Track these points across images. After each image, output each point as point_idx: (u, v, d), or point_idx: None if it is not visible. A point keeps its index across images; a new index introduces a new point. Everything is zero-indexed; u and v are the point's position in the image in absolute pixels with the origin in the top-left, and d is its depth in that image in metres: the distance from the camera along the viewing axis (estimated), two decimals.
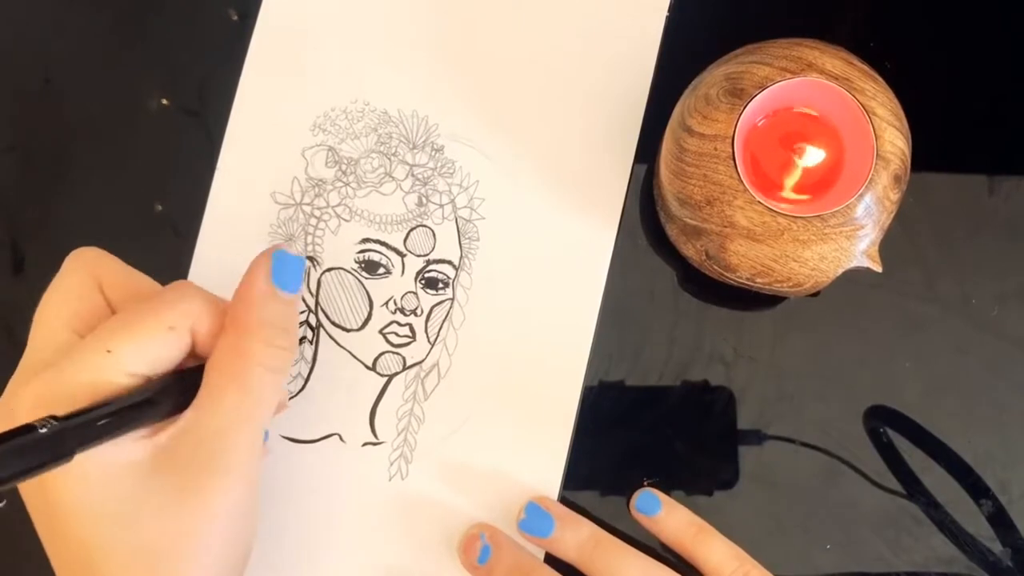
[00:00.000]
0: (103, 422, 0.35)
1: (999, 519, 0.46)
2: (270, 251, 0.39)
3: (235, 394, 0.37)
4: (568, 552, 0.45)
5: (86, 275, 0.39)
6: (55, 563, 0.38)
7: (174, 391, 0.38)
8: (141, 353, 0.37)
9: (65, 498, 0.36)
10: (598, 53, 0.49)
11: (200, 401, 0.38)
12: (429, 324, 0.48)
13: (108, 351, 0.36)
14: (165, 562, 0.36)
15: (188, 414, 0.37)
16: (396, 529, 0.47)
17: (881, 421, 0.47)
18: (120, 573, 0.36)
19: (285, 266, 0.39)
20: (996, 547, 0.46)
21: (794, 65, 0.40)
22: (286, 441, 0.47)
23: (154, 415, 0.37)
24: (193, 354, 0.39)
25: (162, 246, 0.49)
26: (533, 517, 0.45)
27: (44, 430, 0.32)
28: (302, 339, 0.48)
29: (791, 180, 0.42)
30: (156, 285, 0.40)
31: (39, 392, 0.36)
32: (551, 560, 0.45)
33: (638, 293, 0.48)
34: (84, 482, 0.36)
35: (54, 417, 0.33)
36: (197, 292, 0.39)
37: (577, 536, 0.45)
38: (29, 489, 0.38)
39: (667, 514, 0.45)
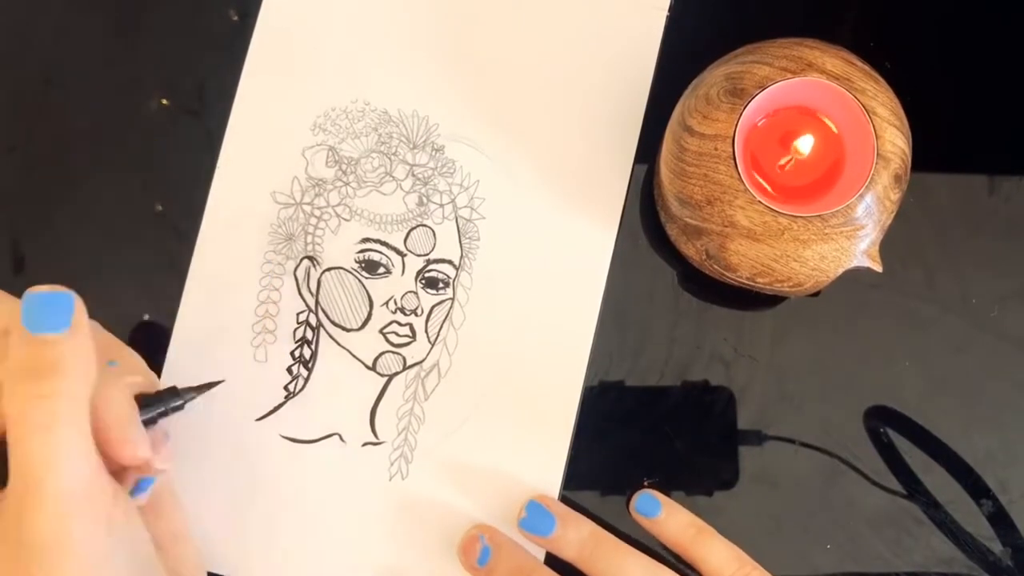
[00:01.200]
0: None
1: (999, 519, 0.46)
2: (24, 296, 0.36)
3: (14, 480, 0.34)
4: (569, 551, 0.45)
5: None
6: None
7: None
8: None
9: None
10: (598, 53, 0.49)
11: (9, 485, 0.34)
12: (429, 324, 0.48)
13: None
14: None
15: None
16: (396, 529, 0.47)
17: (881, 421, 0.47)
18: None
19: (33, 307, 0.36)
20: (996, 547, 0.46)
21: (794, 65, 0.40)
22: (286, 441, 0.47)
23: None
24: None
25: (162, 246, 0.49)
26: (534, 516, 0.45)
27: None
28: (303, 340, 0.48)
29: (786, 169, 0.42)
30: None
31: None
32: (551, 561, 0.45)
33: (638, 293, 0.48)
34: None
35: None
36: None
37: (578, 535, 0.45)
38: None
39: (667, 516, 0.45)
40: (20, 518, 0.33)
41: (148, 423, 0.40)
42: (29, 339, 0.35)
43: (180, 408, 0.41)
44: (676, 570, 0.43)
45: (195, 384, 0.42)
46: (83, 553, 0.33)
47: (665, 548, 0.46)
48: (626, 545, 0.44)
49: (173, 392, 0.41)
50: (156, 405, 0.41)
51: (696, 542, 0.44)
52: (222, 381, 0.44)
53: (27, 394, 0.34)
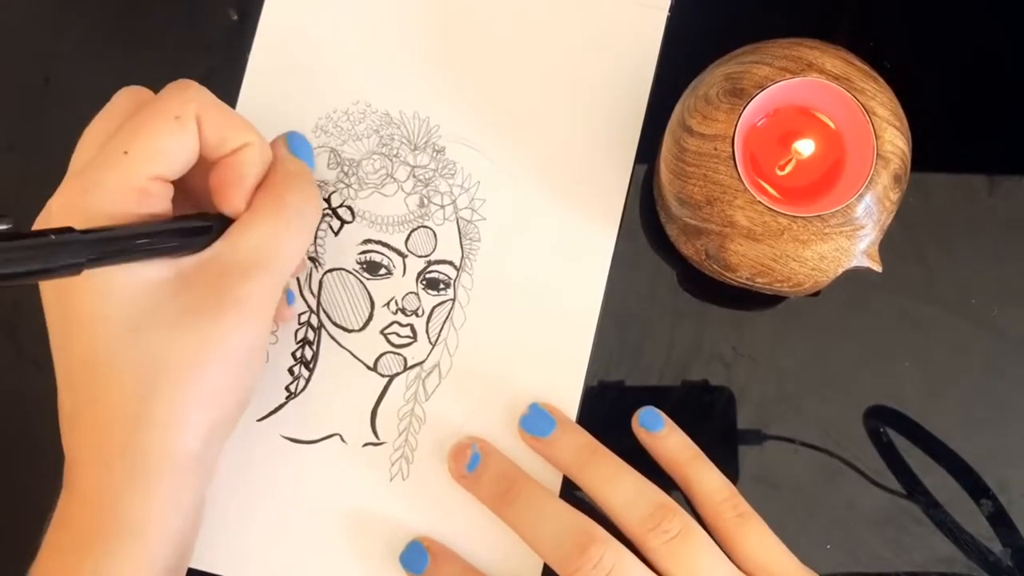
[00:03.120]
0: (118, 246, 0.36)
1: (999, 519, 0.46)
2: (283, 134, 0.44)
3: (266, 230, 0.40)
4: (564, 456, 0.45)
5: (126, 103, 0.41)
6: (60, 379, 0.40)
7: (195, 231, 0.40)
8: (154, 149, 0.38)
9: (81, 308, 0.38)
10: (599, 53, 0.49)
11: (231, 233, 0.40)
12: (430, 325, 0.48)
13: (125, 152, 0.38)
14: (165, 379, 0.38)
15: (217, 244, 0.40)
16: (397, 529, 0.47)
17: (881, 421, 0.47)
18: (119, 383, 0.38)
19: (298, 145, 0.44)
20: (996, 547, 0.46)
21: (794, 65, 0.40)
22: (287, 441, 0.47)
23: (172, 249, 0.38)
24: (205, 170, 0.41)
25: None
26: (535, 415, 0.46)
27: (54, 237, 0.33)
28: (304, 340, 0.48)
29: (785, 170, 0.42)
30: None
31: (64, 201, 0.38)
32: None
33: (638, 293, 0.48)
34: (101, 294, 0.38)
35: (71, 229, 0.34)
36: (196, 85, 0.41)
37: (575, 442, 0.45)
38: (50, 300, 0.39)
39: (668, 432, 0.45)
40: (246, 275, 0.39)
41: None
42: (297, 160, 0.43)
43: None
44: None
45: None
46: (266, 322, 0.40)
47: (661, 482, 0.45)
48: (620, 460, 0.44)
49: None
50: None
51: (692, 464, 0.44)
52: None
53: (298, 190, 0.41)
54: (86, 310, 0.38)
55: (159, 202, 0.39)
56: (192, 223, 0.40)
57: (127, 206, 0.38)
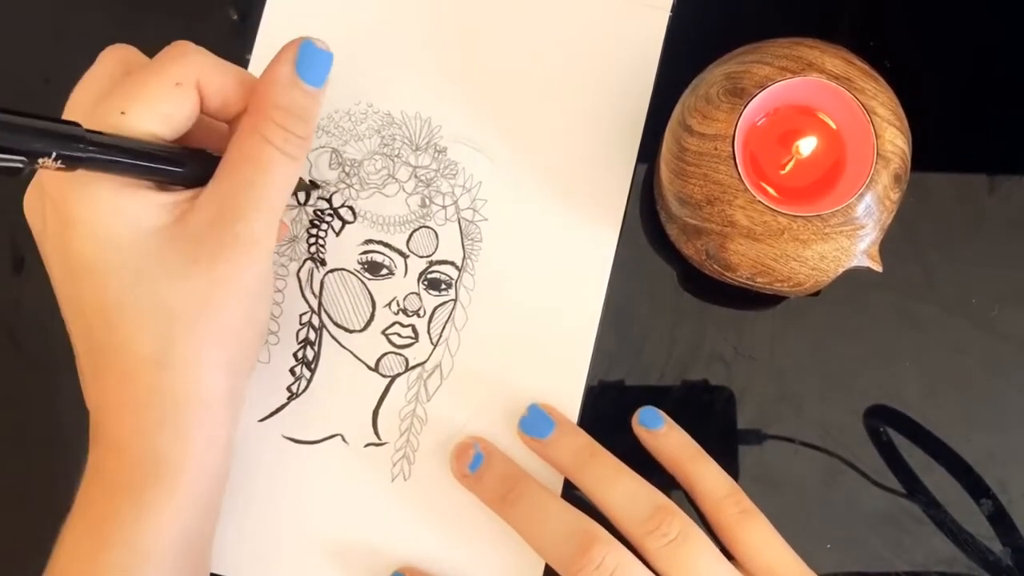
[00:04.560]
0: (119, 147, 0.37)
1: (999, 519, 0.46)
2: (298, 41, 0.41)
3: (250, 171, 0.39)
4: (562, 458, 0.45)
5: (114, 62, 0.41)
6: (71, 327, 0.40)
7: (195, 161, 0.40)
8: (153, 111, 0.38)
9: (84, 256, 0.38)
10: (601, 54, 0.49)
11: (218, 175, 0.40)
12: (432, 325, 0.48)
13: (122, 112, 0.38)
14: (179, 323, 0.39)
15: (208, 187, 0.40)
16: (398, 530, 0.47)
17: (881, 421, 0.47)
18: (134, 331, 0.38)
19: (310, 59, 0.41)
20: (996, 547, 0.46)
21: (794, 65, 0.40)
22: (288, 442, 0.47)
23: (172, 175, 0.39)
24: (205, 126, 0.41)
25: None
26: (534, 417, 0.46)
27: (59, 123, 0.34)
28: (306, 341, 0.48)
29: (786, 169, 0.42)
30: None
31: None
32: None
33: (638, 293, 0.48)
34: (104, 243, 0.38)
35: (77, 124, 0.35)
36: (197, 48, 0.40)
37: (574, 443, 0.45)
38: (52, 252, 0.40)
39: (668, 430, 0.45)
40: (241, 212, 0.39)
41: None
42: (298, 84, 0.40)
43: None
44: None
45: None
46: (267, 252, 0.41)
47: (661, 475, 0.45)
48: (620, 462, 0.44)
49: None
50: None
51: (693, 461, 0.44)
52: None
53: (284, 126, 0.40)
54: (88, 259, 0.38)
55: None
56: (186, 154, 0.40)
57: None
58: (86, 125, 0.36)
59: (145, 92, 0.38)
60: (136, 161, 0.37)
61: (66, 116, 0.40)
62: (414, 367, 0.47)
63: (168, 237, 0.39)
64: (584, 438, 0.45)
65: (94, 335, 0.39)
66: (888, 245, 0.41)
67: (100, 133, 0.36)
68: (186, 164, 0.39)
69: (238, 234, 0.39)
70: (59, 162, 0.34)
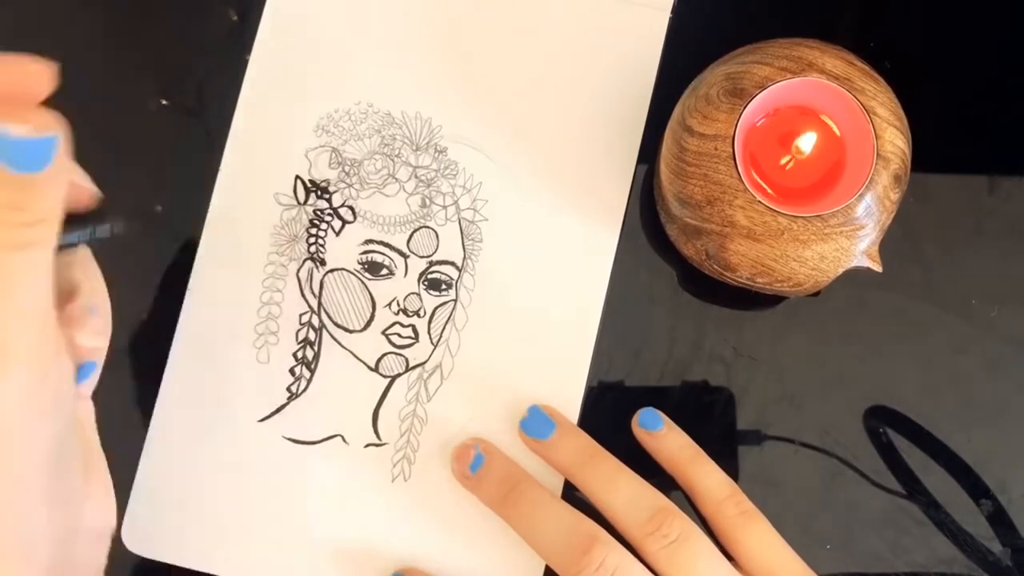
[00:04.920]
0: None
1: (999, 519, 0.46)
2: None
3: None
4: (562, 459, 0.45)
5: None
6: None
7: None
8: None
9: None
10: (601, 55, 0.49)
11: None
12: (432, 325, 0.48)
13: None
14: None
15: None
16: (399, 530, 0.47)
17: (881, 421, 0.47)
18: None
19: (16, 148, 0.31)
20: (996, 547, 0.46)
21: (794, 65, 0.40)
22: (288, 442, 0.47)
23: None
24: None
25: (162, 246, 0.48)
26: (535, 418, 0.46)
27: None
28: (305, 341, 0.48)
29: (786, 164, 0.42)
30: None
31: None
32: None
33: (638, 293, 0.48)
34: None
35: None
36: None
37: (574, 444, 0.45)
38: None
39: (668, 432, 0.45)
40: None
41: (67, 246, 0.35)
42: (8, 177, 0.30)
43: (106, 236, 0.35)
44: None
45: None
46: (27, 372, 0.31)
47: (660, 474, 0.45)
48: (619, 463, 0.44)
49: (99, 215, 0.36)
50: (79, 226, 0.35)
51: (693, 463, 0.44)
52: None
53: (6, 221, 0.30)
54: None
55: None
56: None
57: None
58: None
59: None
60: None
61: None
62: (414, 367, 0.47)
63: None
64: (584, 439, 0.45)
65: None
66: (888, 245, 0.41)
67: None
68: None
69: None
70: None
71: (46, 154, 0.31)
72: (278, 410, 0.47)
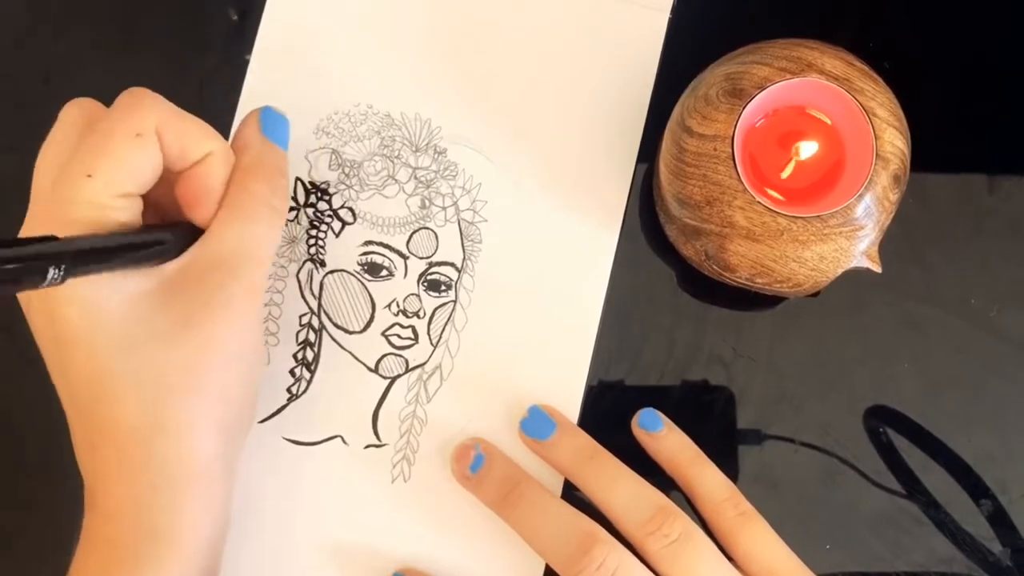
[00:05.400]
0: (100, 254, 0.35)
1: (999, 519, 0.46)
2: (258, 109, 0.43)
3: (240, 225, 0.40)
4: (563, 458, 0.45)
5: (73, 119, 0.40)
6: (66, 403, 0.39)
7: (176, 235, 0.39)
8: (118, 168, 0.37)
9: (71, 327, 0.37)
10: (600, 55, 0.49)
11: (207, 234, 0.39)
12: (431, 326, 0.48)
13: (88, 176, 0.37)
14: (168, 391, 0.38)
15: (195, 248, 0.39)
16: (398, 531, 0.47)
17: (881, 421, 0.47)
18: (124, 399, 0.37)
19: (273, 123, 0.43)
20: (996, 547, 0.46)
21: (794, 65, 0.40)
22: (288, 443, 0.47)
23: (153, 255, 0.38)
24: (168, 180, 0.40)
25: None
26: (535, 418, 0.46)
27: (38, 246, 0.32)
28: (305, 342, 0.48)
29: (786, 172, 0.42)
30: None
31: (35, 229, 0.37)
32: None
33: (638, 293, 0.48)
34: (88, 312, 0.37)
35: (54, 237, 0.33)
36: (153, 95, 0.39)
37: (575, 443, 0.45)
38: (38, 321, 0.38)
39: (667, 433, 0.45)
40: (232, 272, 0.39)
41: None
42: (269, 143, 0.42)
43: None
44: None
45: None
46: (256, 317, 0.41)
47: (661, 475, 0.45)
48: (621, 463, 0.44)
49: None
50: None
51: (693, 464, 0.44)
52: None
53: (268, 180, 0.41)
54: (75, 330, 0.37)
55: (128, 215, 0.38)
56: (167, 231, 0.39)
57: (98, 225, 0.37)
58: (54, 196, 0.35)
59: (107, 149, 0.37)
60: (117, 258, 0.36)
61: (35, 184, 0.39)
62: (414, 368, 0.47)
63: (155, 301, 0.38)
64: (585, 439, 0.45)
65: (84, 404, 0.38)
66: (887, 246, 0.41)
67: (78, 238, 0.34)
68: (167, 242, 0.39)
69: (225, 300, 0.38)
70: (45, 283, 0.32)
71: (287, 132, 0.43)
72: (278, 411, 0.47)
